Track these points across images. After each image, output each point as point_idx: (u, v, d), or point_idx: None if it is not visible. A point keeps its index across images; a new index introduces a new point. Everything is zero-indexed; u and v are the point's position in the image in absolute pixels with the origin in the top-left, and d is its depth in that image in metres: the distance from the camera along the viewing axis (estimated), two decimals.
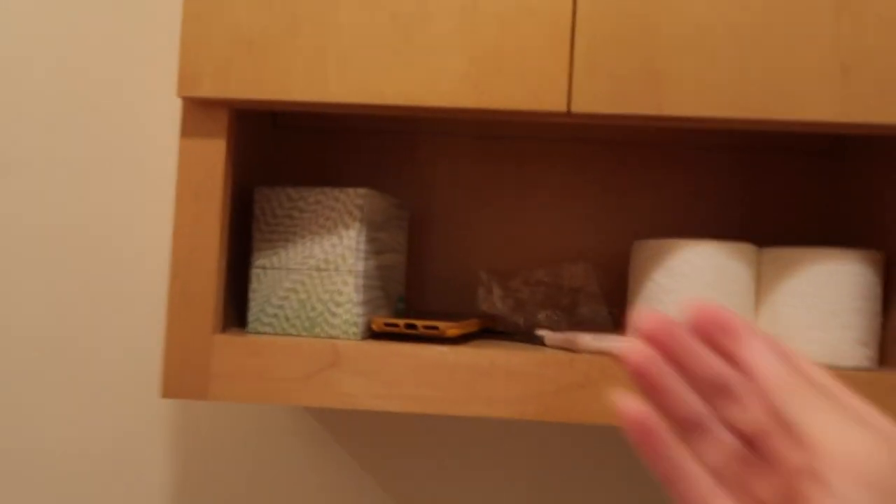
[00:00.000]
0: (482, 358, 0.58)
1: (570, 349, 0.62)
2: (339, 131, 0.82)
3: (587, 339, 0.60)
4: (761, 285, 0.64)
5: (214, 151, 0.59)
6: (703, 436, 0.30)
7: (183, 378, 0.59)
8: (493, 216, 0.80)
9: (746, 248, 0.63)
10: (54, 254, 0.85)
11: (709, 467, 0.29)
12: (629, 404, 0.31)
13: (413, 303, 0.80)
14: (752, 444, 0.29)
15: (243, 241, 0.67)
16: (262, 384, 0.59)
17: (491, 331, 0.72)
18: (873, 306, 0.61)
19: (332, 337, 0.63)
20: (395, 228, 0.72)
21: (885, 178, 0.64)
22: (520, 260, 0.80)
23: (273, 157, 0.82)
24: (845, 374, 0.56)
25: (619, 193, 0.80)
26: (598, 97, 0.54)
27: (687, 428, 0.30)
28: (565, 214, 0.80)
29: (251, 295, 0.66)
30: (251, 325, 0.66)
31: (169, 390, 0.59)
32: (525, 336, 0.68)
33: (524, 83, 0.54)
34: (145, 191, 0.84)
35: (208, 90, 0.57)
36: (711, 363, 0.30)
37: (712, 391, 0.30)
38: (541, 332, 0.66)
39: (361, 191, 0.64)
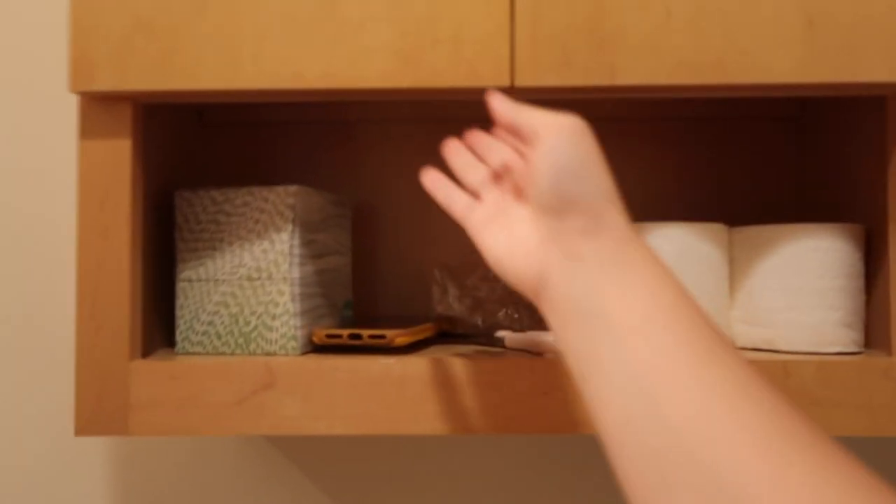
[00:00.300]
0: (433, 368, 0.52)
1: (532, 351, 0.56)
2: (272, 124, 0.75)
3: (551, 339, 0.54)
4: (735, 267, 0.59)
5: (119, 152, 0.52)
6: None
7: (99, 412, 0.52)
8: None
9: (716, 228, 0.58)
10: None
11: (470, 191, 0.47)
12: (428, 174, 0.50)
13: (363, 308, 0.74)
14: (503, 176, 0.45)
15: (169, 251, 0.61)
16: (188, 413, 0.52)
17: (449, 334, 0.67)
18: (856, 284, 0.56)
19: (269, 353, 0.57)
20: (336, 228, 0.66)
21: (859, 143, 0.59)
22: (477, 254, 0.74)
23: (201, 156, 0.75)
24: (830, 360, 0.51)
25: None
26: (543, 68, 0.48)
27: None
28: None
29: (178, 311, 0.59)
30: (180, 346, 0.59)
31: (83, 427, 0.52)
32: (485, 338, 0.62)
33: (461, 56, 0.48)
34: (48, 201, 0.76)
35: (105, 82, 0.50)
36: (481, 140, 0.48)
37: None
38: (501, 334, 0.60)
39: (292, 188, 0.57)
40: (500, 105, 0.43)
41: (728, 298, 0.59)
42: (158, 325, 0.60)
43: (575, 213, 0.38)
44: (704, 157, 0.74)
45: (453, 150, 0.49)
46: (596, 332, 0.35)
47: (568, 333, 0.37)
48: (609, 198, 0.39)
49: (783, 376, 0.51)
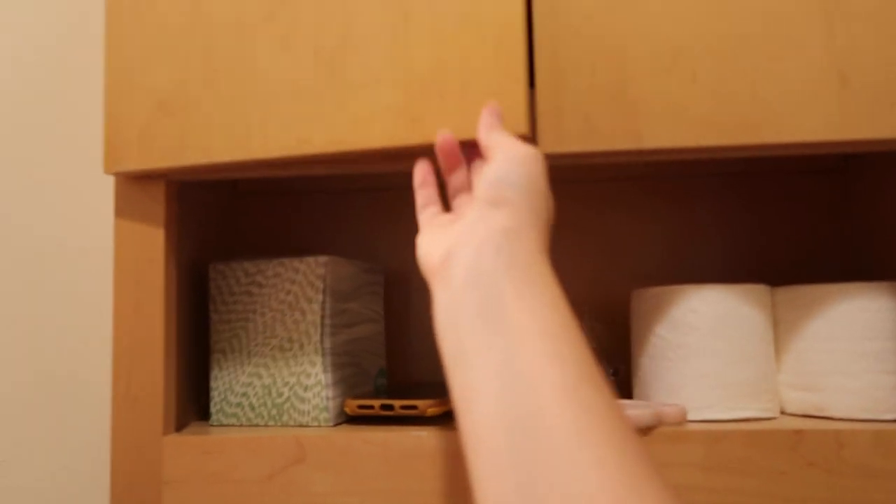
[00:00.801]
0: None
1: None
2: (305, 193, 0.76)
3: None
4: (780, 330, 0.57)
5: (152, 229, 0.54)
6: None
7: (133, 487, 0.52)
8: None
9: (758, 290, 0.56)
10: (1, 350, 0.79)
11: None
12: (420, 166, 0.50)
13: (398, 375, 0.73)
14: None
15: (204, 322, 0.61)
16: (220, 488, 0.52)
17: None
18: None
19: (301, 425, 0.56)
20: (369, 295, 0.66)
21: None
22: None
23: (235, 226, 0.76)
24: (887, 429, 0.48)
25: (611, 234, 0.73)
26: (567, 135, 0.48)
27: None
28: (554, 263, 0.73)
29: (212, 384, 0.59)
30: (214, 418, 0.59)
31: (118, 503, 0.52)
32: None
33: (472, 112, 0.48)
34: (87, 280, 0.79)
35: (133, 162, 0.52)
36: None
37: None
38: None
39: (322, 258, 0.58)
40: (481, 123, 0.45)
41: (774, 363, 0.56)
42: (193, 398, 0.60)
43: (505, 212, 0.38)
44: (743, 213, 0.72)
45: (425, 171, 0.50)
46: (489, 314, 0.34)
47: (458, 309, 0.36)
48: (538, 219, 0.39)
49: (836, 447, 0.48)
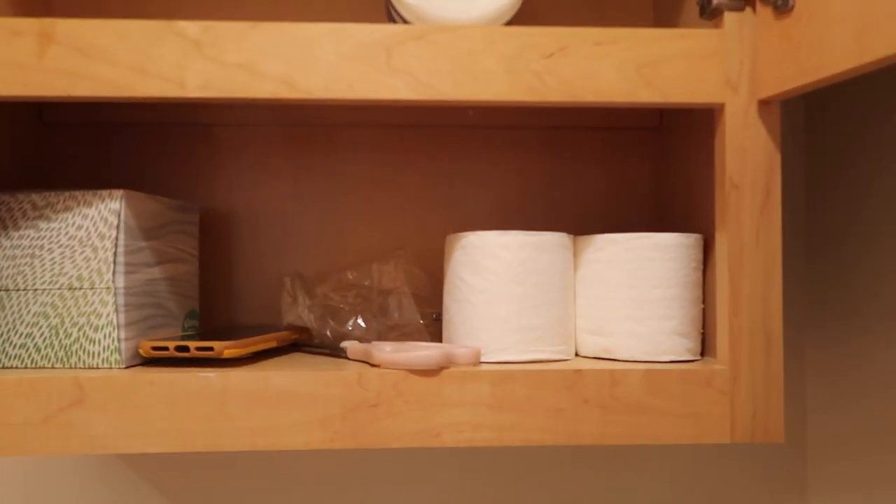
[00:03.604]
0: (256, 381, 0.50)
1: (369, 362, 0.55)
2: (120, 126, 0.72)
3: (385, 351, 0.53)
4: (578, 276, 0.59)
5: None
6: None
7: None
8: (303, 212, 0.72)
9: (559, 237, 0.57)
10: None
11: None
12: None
13: (217, 317, 0.71)
14: None
15: None
16: None
17: (304, 345, 0.64)
18: (693, 294, 0.57)
19: (91, 367, 0.54)
20: (178, 234, 0.63)
21: (702, 152, 0.60)
22: (337, 262, 0.72)
23: (41, 161, 0.71)
24: (656, 369, 0.52)
25: (443, 182, 0.73)
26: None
27: None
28: (381, 207, 0.73)
29: None
30: None
31: None
32: (332, 349, 0.60)
33: None
34: None
35: None
36: None
37: None
38: (345, 344, 0.59)
39: (118, 192, 0.54)
40: None
41: (573, 308, 0.58)
42: None
43: None
44: (561, 165, 0.74)
45: None
46: None
47: None
48: None
49: (611, 384, 0.51)
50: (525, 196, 0.74)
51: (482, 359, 0.55)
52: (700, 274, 0.58)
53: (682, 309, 0.56)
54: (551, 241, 0.57)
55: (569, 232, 0.73)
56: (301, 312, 0.64)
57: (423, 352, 0.50)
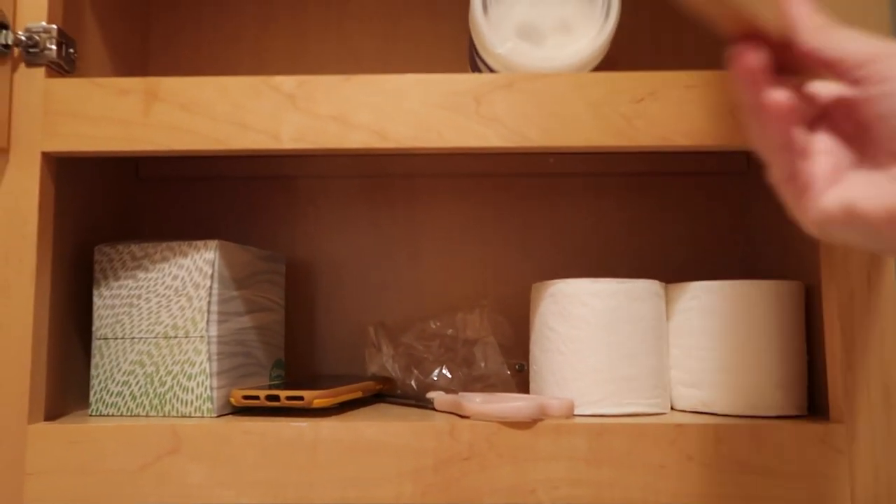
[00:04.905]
0: (348, 431, 0.49)
1: (458, 413, 0.54)
2: (211, 179, 0.74)
3: (475, 402, 0.52)
4: (671, 326, 0.57)
5: (25, 205, 0.51)
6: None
7: None
8: (384, 263, 0.73)
9: (650, 285, 0.56)
10: None
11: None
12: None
13: (301, 367, 0.72)
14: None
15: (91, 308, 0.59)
16: (87, 479, 0.49)
17: (387, 395, 0.64)
18: (794, 345, 0.54)
19: (184, 416, 0.54)
20: (266, 283, 0.64)
21: None
22: (418, 311, 0.72)
23: (136, 213, 0.73)
24: (769, 425, 0.49)
25: (522, 230, 0.73)
26: None
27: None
28: (462, 257, 0.72)
29: (93, 371, 0.57)
30: (93, 407, 0.56)
31: None
32: (417, 400, 0.59)
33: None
34: None
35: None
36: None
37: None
38: (431, 395, 0.58)
39: (212, 243, 0.56)
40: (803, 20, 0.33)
41: (666, 358, 0.56)
42: (79, 387, 0.58)
43: None
44: (646, 212, 0.73)
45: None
46: None
47: None
48: None
49: (715, 441, 0.48)
50: (606, 244, 0.72)
51: (575, 411, 0.53)
52: (803, 324, 0.55)
53: (785, 360, 0.53)
54: (643, 289, 0.55)
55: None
56: (385, 362, 0.64)
57: (515, 403, 0.49)
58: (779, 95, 0.32)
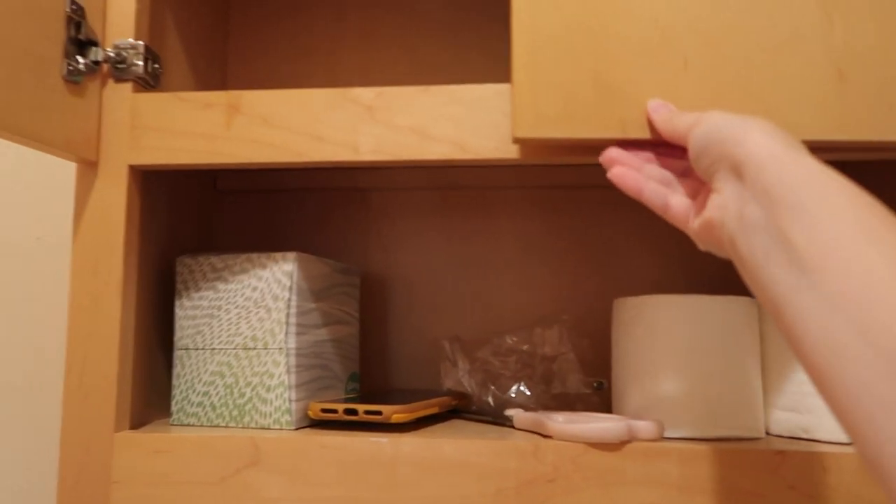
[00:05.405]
0: (428, 449, 0.48)
1: (540, 433, 0.52)
2: (285, 192, 0.74)
3: (558, 421, 0.50)
4: (766, 346, 0.54)
5: (113, 218, 0.52)
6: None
7: (80, 486, 0.50)
8: (457, 276, 0.71)
9: (743, 302, 0.53)
10: None
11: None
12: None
13: (375, 380, 0.71)
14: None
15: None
16: (169, 489, 0.49)
17: (461, 411, 0.63)
18: None
19: (262, 427, 0.54)
20: (342, 296, 0.63)
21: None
22: (492, 325, 0.70)
23: (215, 225, 0.74)
24: None
25: (600, 244, 0.70)
26: (544, 118, 0.46)
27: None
28: (536, 271, 0.70)
29: (174, 381, 0.57)
30: (175, 417, 0.57)
31: (64, 502, 0.50)
32: (495, 417, 0.58)
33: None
34: (45, 268, 0.77)
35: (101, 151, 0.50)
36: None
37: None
38: (510, 412, 0.56)
39: (290, 255, 0.56)
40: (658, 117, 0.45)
41: (760, 380, 0.53)
42: (162, 396, 0.58)
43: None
44: None
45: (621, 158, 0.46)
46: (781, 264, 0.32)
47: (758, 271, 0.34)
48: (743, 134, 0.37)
49: (821, 470, 0.45)
50: (688, 259, 0.69)
51: (664, 434, 0.50)
52: None
53: None
54: (734, 307, 0.52)
55: None
56: (461, 377, 0.62)
57: (603, 424, 0.47)
58: (616, 171, 0.44)
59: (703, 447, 0.47)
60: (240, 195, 0.75)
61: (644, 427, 0.48)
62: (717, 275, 0.69)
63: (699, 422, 0.50)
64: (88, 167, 0.53)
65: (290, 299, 0.55)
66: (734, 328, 0.52)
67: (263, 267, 0.56)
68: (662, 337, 0.52)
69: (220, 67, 0.75)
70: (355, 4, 0.76)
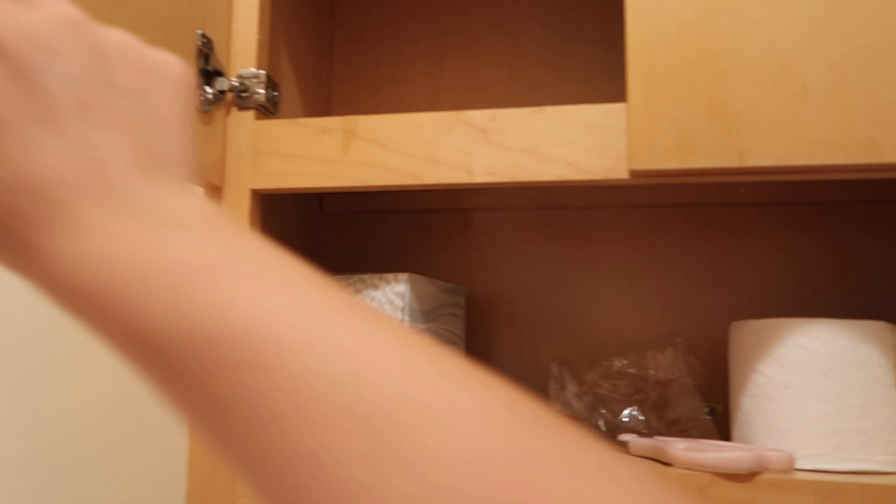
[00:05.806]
0: None
1: (659, 460, 0.50)
2: (390, 212, 0.76)
3: (680, 449, 0.48)
4: None
5: None
6: None
7: (207, 499, 0.52)
8: (562, 297, 0.71)
9: (878, 327, 0.50)
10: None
11: None
12: None
13: None
14: None
15: None
16: None
17: None
18: None
19: None
20: (449, 316, 0.64)
21: None
22: (598, 347, 0.69)
23: (322, 246, 0.76)
24: None
25: (710, 264, 0.68)
26: (661, 150, 0.45)
27: None
28: (643, 292, 0.69)
29: None
30: None
31: None
32: (608, 442, 0.57)
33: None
34: None
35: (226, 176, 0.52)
36: None
37: None
38: (625, 438, 0.55)
39: (403, 276, 0.56)
40: None
41: (894, 408, 0.50)
42: None
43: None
44: (859, 243, 0.66)
45: None
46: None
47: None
48: None
49: None
50: (806, 279, 0.66)
51: (795, 465, 0.48)
52: None
53: None
54: (870, 331, 0.50)
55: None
56: (570, 400, 0.61)
57: (731, 453, 0.45)
58: None
59: (840, 480, 0.44)
60: (345, 216, 0.77)
61: (775, 457, 0.46)
62: (833, 296, 0.65)
63: (835, 454, 0.48)
64: (214, 192, 0.55)
65: (402, 320, 0.56)
66: (869, 354, 0.49)
67: (376, 287, 0.57)
68: (789, 363, 0.50)
69: (325, 92, 0.77)
70: (456, 26, 0.77)
